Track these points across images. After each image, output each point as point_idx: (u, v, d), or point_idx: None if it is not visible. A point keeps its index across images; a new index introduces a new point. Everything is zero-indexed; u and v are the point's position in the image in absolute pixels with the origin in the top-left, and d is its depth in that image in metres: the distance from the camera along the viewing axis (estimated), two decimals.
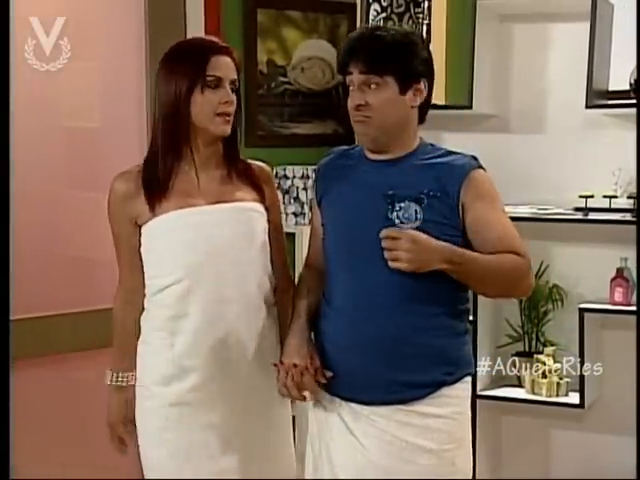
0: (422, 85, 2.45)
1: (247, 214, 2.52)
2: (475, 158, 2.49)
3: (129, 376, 2.57)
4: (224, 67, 2.46)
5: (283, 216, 4.10)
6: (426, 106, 2.50)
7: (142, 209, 2.46)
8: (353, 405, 2.45)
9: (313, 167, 2.65)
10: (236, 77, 2.50)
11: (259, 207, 2.55)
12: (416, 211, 2.39)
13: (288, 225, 4.14)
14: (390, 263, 2.29)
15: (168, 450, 2.48)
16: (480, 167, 2.47)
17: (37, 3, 3.61)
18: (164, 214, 2.44)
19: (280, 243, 2.66)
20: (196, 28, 4.00)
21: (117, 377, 2.58)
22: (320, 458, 2.53)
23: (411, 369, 2.41)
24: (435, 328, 2.42)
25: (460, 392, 2.48)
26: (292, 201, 4.17)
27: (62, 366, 3.48)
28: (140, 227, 2.49)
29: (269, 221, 2.59)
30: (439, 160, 2.46)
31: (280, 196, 4.15)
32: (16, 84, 3.48)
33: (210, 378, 2.48)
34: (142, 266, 2.51)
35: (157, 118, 2.47)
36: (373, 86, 2.41)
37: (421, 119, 2.51)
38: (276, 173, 4.21)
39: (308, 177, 4.08)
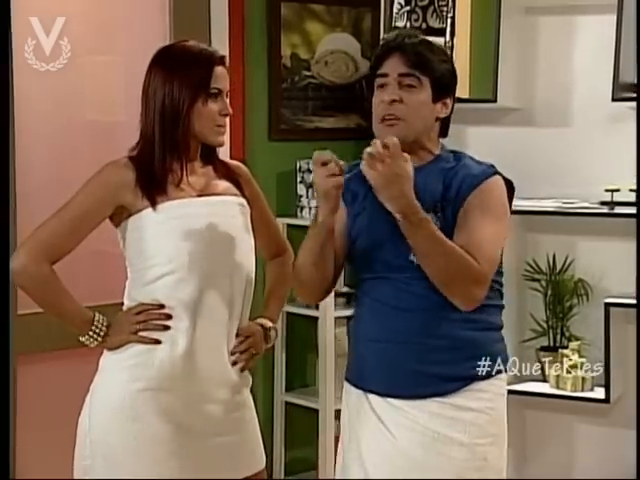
0: (449, 100, 2.48)
1: (237, 207, 2.57)
2: (492, 166, 2.48)
3: (100, 324, 2.47)
4: (224, 78, 2.50)
5: (306, 210, 4.13)
6: (447, 121, 2.52)
7: (133, 199, 2.46)
8: (385, 398, 2.45)
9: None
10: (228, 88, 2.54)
11: (244, 201, 2.59)
12: (432, 220, 2.37)
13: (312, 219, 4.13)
14: (364, 166, 2.28)
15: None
16: (496, 173, 2.46)
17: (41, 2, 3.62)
18: (165, 202, 2.46)
19: (271, 217, 2.75)
20: (220, 21, 4.01)
21: (93, 334, 2.47)
22: (349, 447, 2.53)
23: (442, 362, 2.41)
24: (465, 321, 2.41)
25: (493, 388, 2.46)
26: (316, 195, 4.15)
27: (69, 362, 3.50)
28: (114, 217, 2.49)
29: (257, 209, 2.64)
30: (458, 169, 2.45)
31: (304, 190, 4.19)
32: (37, 82, 3.52)
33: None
34: (82, 237, 2.48)
35: (153, 119, 2.47)
36: (410, 86, 2.42)
37: (443, 132, 2.52)
38: (300, 167, 4.21)
39: None
